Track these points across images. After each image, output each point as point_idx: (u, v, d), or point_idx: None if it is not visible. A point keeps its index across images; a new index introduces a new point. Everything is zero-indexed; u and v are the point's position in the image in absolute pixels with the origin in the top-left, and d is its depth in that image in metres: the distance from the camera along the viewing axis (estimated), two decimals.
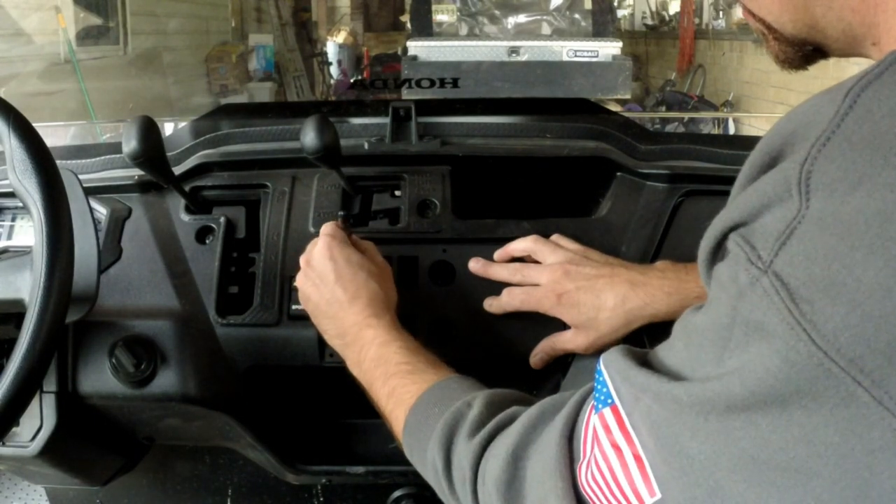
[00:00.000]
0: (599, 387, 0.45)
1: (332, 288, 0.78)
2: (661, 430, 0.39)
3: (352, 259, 0.79)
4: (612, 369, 0.44)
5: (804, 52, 0.47)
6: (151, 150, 0.84)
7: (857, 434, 0.32)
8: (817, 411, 0.33)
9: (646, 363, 0.43)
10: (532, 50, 4.64)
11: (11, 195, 0.81)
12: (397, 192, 0.97)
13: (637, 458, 0.41)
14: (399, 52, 5.85)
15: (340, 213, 0.86)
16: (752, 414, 0.35)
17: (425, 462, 0.61)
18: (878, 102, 0.34)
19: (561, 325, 0.83)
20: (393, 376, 0.70)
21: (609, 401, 0.44)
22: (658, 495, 0.40)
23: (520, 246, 0.88)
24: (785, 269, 0.34)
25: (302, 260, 0.83)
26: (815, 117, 0.36)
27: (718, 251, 0.40)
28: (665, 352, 0.43)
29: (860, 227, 0.32)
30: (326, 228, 0.83)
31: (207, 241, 0.93)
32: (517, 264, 0.87)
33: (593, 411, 0.45)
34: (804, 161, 0.35)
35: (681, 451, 0.38)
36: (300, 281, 0.82)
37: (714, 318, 0.38)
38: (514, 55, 4.56)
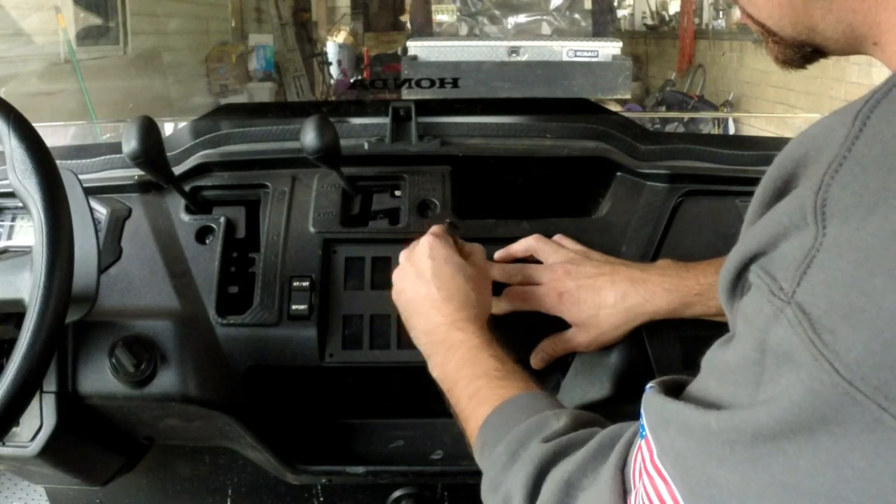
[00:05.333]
0: (640, 420, 0.46)
1: (428, 285, 0.78)
2: (688, 461, 0.40)
3: (451, 260, 0.79)
4: (645, 402, 0.45)
5: (804, 53, 0.47)
6: (151, 150, 0.84)
7: (884, 458, 0.32)
8: (843, 437, 0.33)
9: (680, 397, 0.43)
10: (532, 50, 4.63)
11: (11, 195, 0.81)
12: (397, 192, 0.97)
13: (668, 486, 0.41)
14: (399, 52, 5.84)
15: (447, 220, 0.86)
16: (779, 442, 0.35)
17: (492, 456, 0.61)
18: (888, 123, 0.34)
19: (562, 325, 0.83)
20: (481, 378, 0.69)
21: (644, 433, 0.45)
22: None
23: (522, 246, 0.89)
24: (807, 299, 0.34)
25: (402, 254, 0.83)
26: (825, 141, 0.36)
27: (738, 282, 0.40)
28: (701, 392, 0.43)
29: (878, 253, 0.32)
30: (434, 228, 0.83)
31: (207, 241, 0.93)
32: (518, 265, 0.87)
33: (639, 443, 0.46)
34: (818, 188, 0.34)
35: (709, 480, 0.38)
36: (397, 275, 0.82)
37: (744, 354, 0.38)
38: (514, 55, 4.56)
